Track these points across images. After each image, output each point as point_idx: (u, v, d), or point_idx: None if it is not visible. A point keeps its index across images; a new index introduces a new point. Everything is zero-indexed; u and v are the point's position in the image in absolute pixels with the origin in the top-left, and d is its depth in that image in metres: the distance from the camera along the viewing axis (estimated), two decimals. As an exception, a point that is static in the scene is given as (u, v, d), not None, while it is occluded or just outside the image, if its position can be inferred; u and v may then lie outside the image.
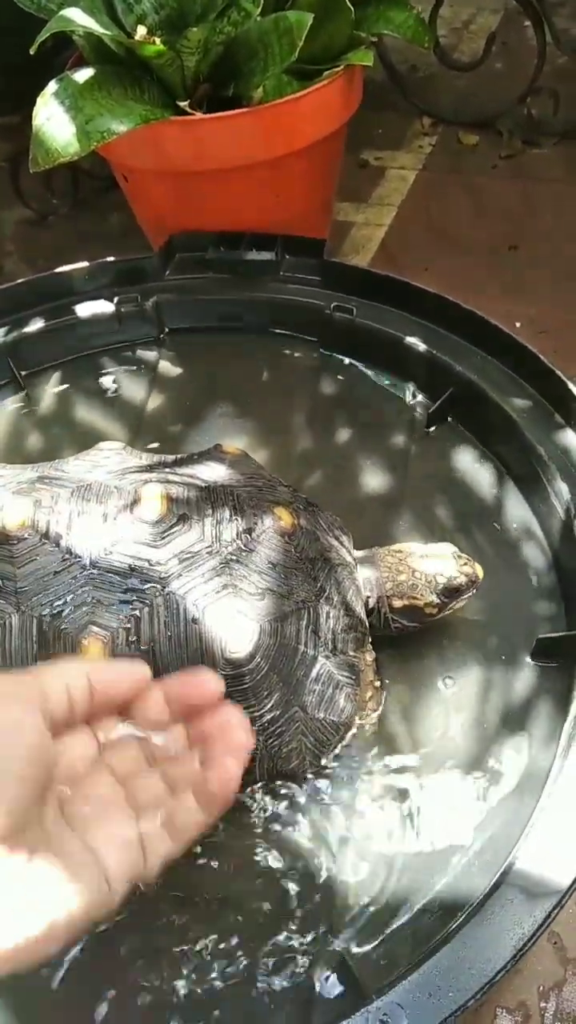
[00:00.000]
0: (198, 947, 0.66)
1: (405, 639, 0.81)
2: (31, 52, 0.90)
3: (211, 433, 1.01)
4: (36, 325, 1.07)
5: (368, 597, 0.77)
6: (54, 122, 0.90)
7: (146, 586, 0.66)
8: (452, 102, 1.66)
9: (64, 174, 1.46)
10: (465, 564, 0.77)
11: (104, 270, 1.09)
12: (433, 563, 0.77)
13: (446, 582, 0.76)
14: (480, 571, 0.78)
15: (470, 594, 0.78)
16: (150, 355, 1.09)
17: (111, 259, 1.09)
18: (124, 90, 0.96)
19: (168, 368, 1.08)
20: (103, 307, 1.08)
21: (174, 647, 0.65)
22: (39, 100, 0.92)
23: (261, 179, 1.08)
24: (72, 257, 1.10)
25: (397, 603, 0.77)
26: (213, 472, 0.77)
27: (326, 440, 1.00)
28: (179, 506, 0.69)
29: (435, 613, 0.77)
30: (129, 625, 0.65)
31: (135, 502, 0.69)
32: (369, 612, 0.78)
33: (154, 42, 0.94)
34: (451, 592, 0.77)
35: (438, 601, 0.76)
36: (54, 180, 1.45)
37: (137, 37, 0.97)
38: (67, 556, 0.66)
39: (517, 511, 0.90)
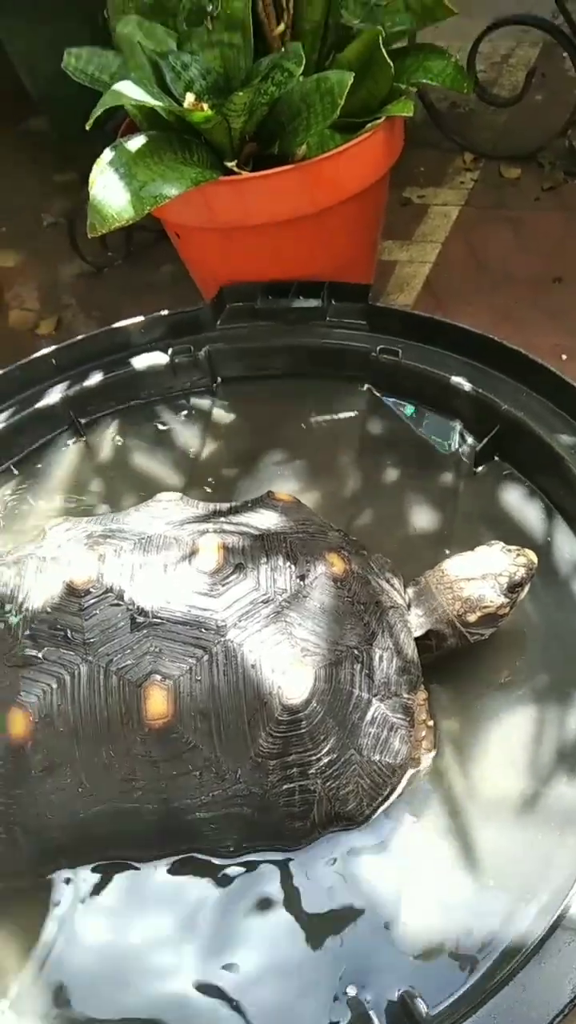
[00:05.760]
0: (262, 991, 0.68)
1: (457, 679, 0.83)
2: (86, 127, 0.95)
3: (263, 477, 1.04)
4: (96, 377, 1.12)
5: (436, 626, 0.79)
6: (109, 190, 0.95)
7: (205, 635, 0.69)
8: (492, 137, 1.68)
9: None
10: (518, 555, 0.80)
11: (158, 323, 1.14)
12: (488, 567, 0.79)
13: (508, 580, 0.78)
14: (533, 556, 0.80)
15: (530, 580, 0.80)
16: (204, 403, 1.14)
17: (165, 312, 1.14)
18: (175, 154, 1.01)
19: (221, 415, 1.12)
20: (158, 358, 1.12)
21: (233, 694, 0.68)
22: (94, 168, 0.97)
23: (307, 230, 1.11)
24: (127, 307, 1.15)
25: (472, 617, 0.78)
26: (266, 519, 0.80)
27: (375, 481, 1.02)
28: (235, 555, 0.73)
29: (508, 612, 0.79)
30: (189, 673, 0.68)
31: (193, 553, 0.72)
32: (442, 638, 0.80)
33: (202, 108, 0.99)
34: (515, 587, 0.79)
35: (507, 600, 0.78)
36: (108, 235, 1.51)
37: (186, 104, 1.01)
38: (130, 607, 0.70)
39: (567, 548, 0.91)
